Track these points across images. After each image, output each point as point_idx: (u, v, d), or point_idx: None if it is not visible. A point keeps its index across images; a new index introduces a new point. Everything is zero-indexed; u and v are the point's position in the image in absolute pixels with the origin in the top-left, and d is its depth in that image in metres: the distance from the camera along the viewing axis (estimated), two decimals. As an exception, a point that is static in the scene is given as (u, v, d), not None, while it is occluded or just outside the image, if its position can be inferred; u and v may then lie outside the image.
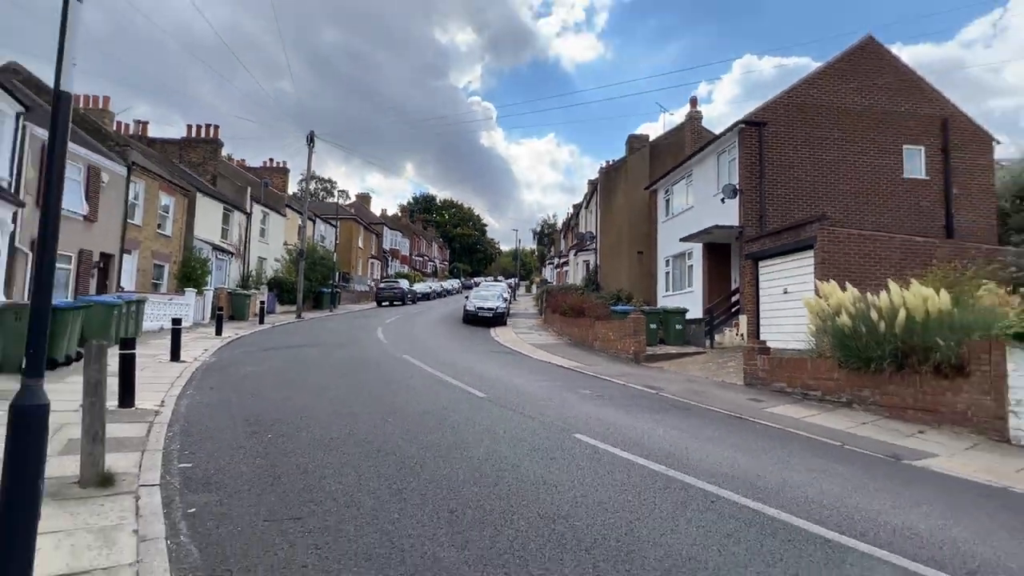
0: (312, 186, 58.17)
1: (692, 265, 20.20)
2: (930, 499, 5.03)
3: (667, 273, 23.05)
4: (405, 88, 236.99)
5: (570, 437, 6.40)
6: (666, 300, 22.15)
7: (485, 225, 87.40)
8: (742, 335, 15.35)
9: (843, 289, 10.00)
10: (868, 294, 9.69)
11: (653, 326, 17.11)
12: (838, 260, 12.08)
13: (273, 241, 33.29)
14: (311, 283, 30.28)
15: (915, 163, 15.85)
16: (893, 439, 7.76)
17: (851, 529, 4.09)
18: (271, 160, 39.96)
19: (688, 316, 18.26)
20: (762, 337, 14.23)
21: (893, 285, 9.10)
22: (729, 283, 18.18)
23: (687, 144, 24.07)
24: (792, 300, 13.14)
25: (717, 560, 3.46)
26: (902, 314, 8.75)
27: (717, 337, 16.73)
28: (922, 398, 8.71)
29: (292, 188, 47.01)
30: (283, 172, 39.59)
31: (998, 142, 16.79)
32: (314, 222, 38.31)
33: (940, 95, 16.49)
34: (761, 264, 14.73)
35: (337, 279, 37.13)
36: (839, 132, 16.08)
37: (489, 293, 27.58)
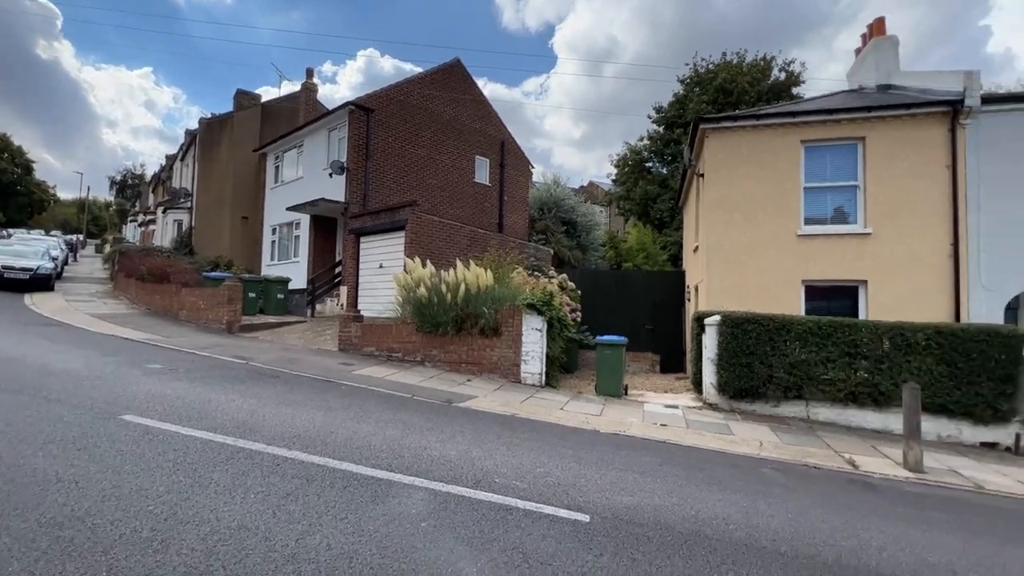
0: None
1: (299, 235, 19.73)
2: (464, 431, 6.35)
3: (273, 242, 21.82)
4: None
5: (116, 420, 5.24)
6: (271, 269, 20.97)
7: (34, 162, 62.42)
8: (342, 305, 15.97)
9: (424, 266, 11.59)
10: (442, 271, 11.52)
11: (253, 295, 15.93)
12: (423, 241, 13.93)
13: None
14: None
15: (483, 171, 19.86)
16: (450, 387, 9.48)
17: (401, 466, 4.74)
18: None
19: (293, 286, 17.77)
20: (360, 307, 15.13)
21: (459, 264, 11.11)
22: (334, 255, 18.59)
23: (302, 114, 23.24)
24: (386, 274, 14.43)
25: (271, 523, 3.42)
26: (463, 288, 10.77)
27: (319, 307, 16.90)
28: (472, 354, 10.98)
29: None
30: None
31: (533, 167, 22.73)
32: None
33: (502, 123, 21.11)
34: (362, 240, 15.61)
35: None
36: (431, 133, 18.57)
37: (26, 249, 20.04)
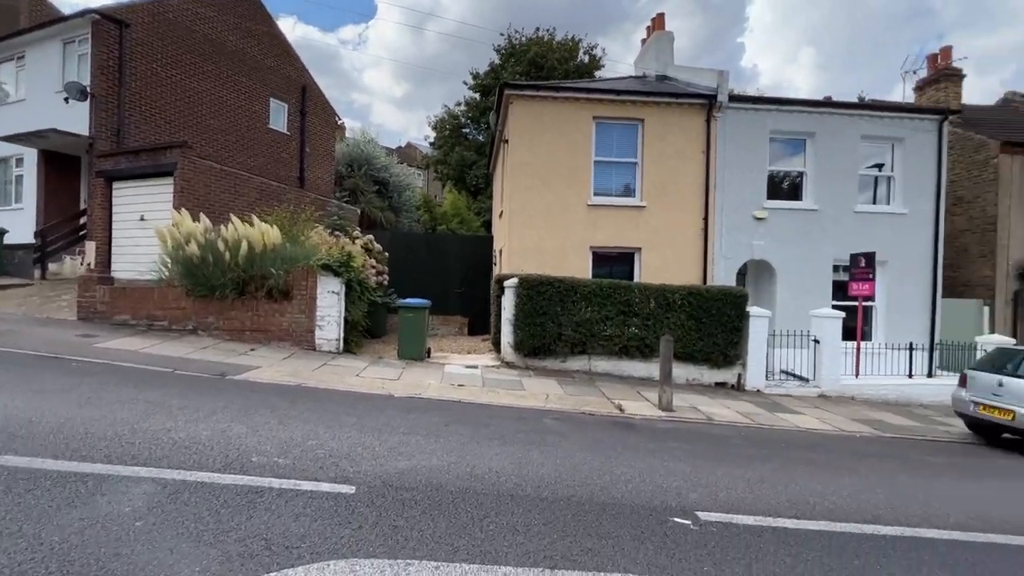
0: None
1: (23, 175, 15.41)
2: (229, 407, 5.54)
3: (-17, 183, 16.73)
4: None
5: None
6: (-21, 220, 16.08)
7: None
8: (89, 264, 12.99)
9: (198, 220, 9.88)
10: (221, 227, 9.96)
11: (-57, 253, 12.01)
12: (199, 191, 11.91)
13: None
14: None
15: (280, 117, 17.72)
16: (227, 359, 8.31)
17: (126, 456, 3.88)
18: None
19: (13, 240, 13.88)
20: (116, 267, 12.47)
21: (235, 219, 9.69)
22: (78, 203, 14.97)
23: (23, 14, 17.90)
24: (150, 228, 12.05)
25: None
26: (244, 245, 9.45)
27: (54, 266, 13.52)
28: (258, 320, 9.79)
29: None
30: None
31: (341, 119, 21.04)
32: None
33: (303, 66, 18.98)
34: (116, 185, 12.77)
35: None
36: (213, 66, 15.85)
37: None
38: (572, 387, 9.27)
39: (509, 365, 10.47)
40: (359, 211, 18.29)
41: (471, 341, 13.91)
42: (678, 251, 12.18)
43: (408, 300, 10.47)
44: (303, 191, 16.02)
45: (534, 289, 10.25)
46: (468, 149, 30.30)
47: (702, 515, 3.90)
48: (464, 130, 31.79)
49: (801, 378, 11.26)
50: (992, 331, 12.83)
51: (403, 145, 54.79)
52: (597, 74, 28.80)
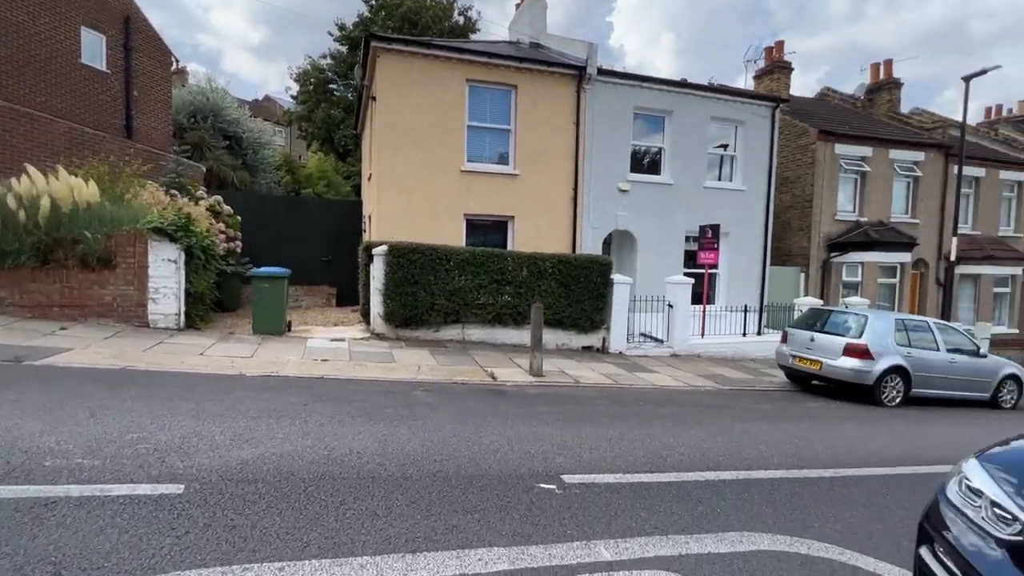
0: None
1: None
2: (22, 399, 4.54)
3: None
4: None
5: None
6: None
7: None
8: None
9: (-25, 169, 7.93)
10: (13, 180, 8.11)
11: None
12: (-20, 134, 9.55)
13: None
14: None
15: (96, 51, 14.79)
16: (25, 340, 6.87)
17: None
18: None
19: None
20: None
21: (33, 170, 7.95)
22: None
23: None
24: (-93, 180, 9.45)
25: None
26: (46, 203, 7.79)
27: None
28: (70, 294, 8.22)
29: None
30: None
31: (179, 60, 18.17)
32: None
33: (128, -11, 15.89)
34: None
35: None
36: (-2, -23, 12.63)
37: None
38: (445, 357, 9.12)
39: (379, 337, 10.02)
40: (205, 169, 16.11)
41: (339, 312, 13.13)
42: (550, 220, 12.43)
43: (264, 269, 9.49)
44: (129, 142, 13.65)
45: (405, 257, 9.83)
46: (336, 107, 28.15)
47: (567, 478, 3.99)
48: (331, 86, 29.41)
49: (657, 340, 12.25)
50: (807, 294, 14.99)
51: (260, 98, 49.55)
52: (472, 38, 28.13)
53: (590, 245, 12.75)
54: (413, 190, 11.43)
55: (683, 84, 13.48)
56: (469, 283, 10.26)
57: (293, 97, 31.90)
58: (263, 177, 20.91)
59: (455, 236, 11.67)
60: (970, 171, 16.95)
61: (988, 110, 25.28)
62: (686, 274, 12.90)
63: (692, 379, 9.57)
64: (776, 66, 17.00)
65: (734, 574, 2.89)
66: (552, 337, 10.99)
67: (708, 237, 12.31)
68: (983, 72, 13.08)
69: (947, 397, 9.22)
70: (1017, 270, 17.90)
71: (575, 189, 12.52)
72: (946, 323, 10.32)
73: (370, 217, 12.94)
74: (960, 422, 8.06)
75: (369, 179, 13.35)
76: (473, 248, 10.53)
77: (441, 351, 9.53)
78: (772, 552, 3.17)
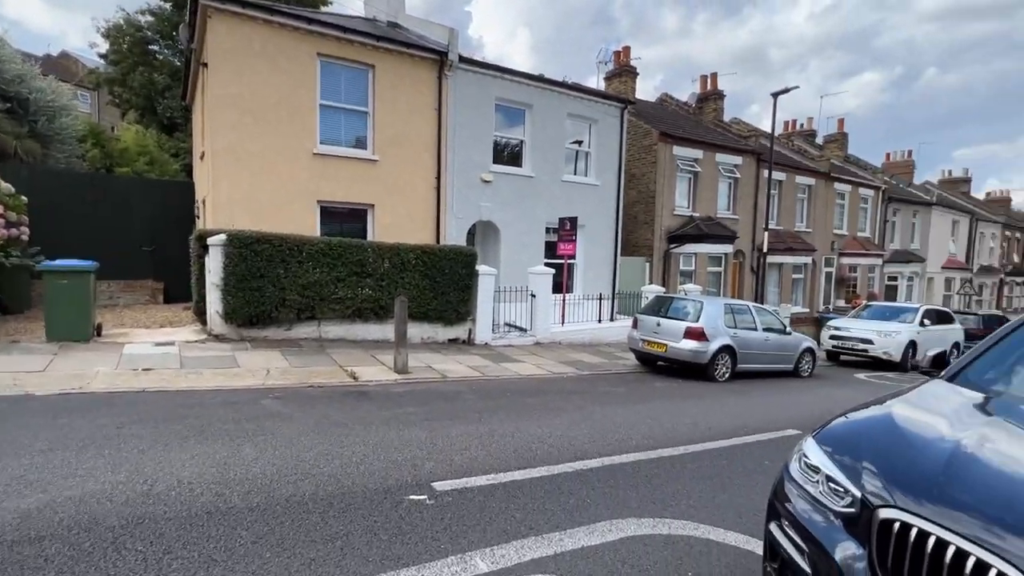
0: None
1: None
2: None
3: None
4: None
5: None
6: None
7: None
8: None
9: None
10: None
11: None
12: None
13: None
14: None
15: None
16: None
17: None
18: None
19: None
20: None
21: None
22: None
23: None
24: None
25: None
26: None
27: None
28: None
29: None
30: None
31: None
32: None
33: None
34: None
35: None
36: None
37: None
38: (299, 358, 8.33)
39: (219, 338, 8.84)
40: (-28, 136, 12.85)
41: (168, 311, 11.40)
42: (412, 209, 11.99)
43: (61, 262, 7.81)
44: None
45: (249, 248, 8.76)
46: (159, 71, 24.32)
47: (438, 485, 3.77)
48: (152, 47, 25.33)
49: (521, 329, 12.52)
50: (651, 282, 16.44)
51: (55, 54, 41.30)
52: (324, 11, 26.10)
53: (455, 236, 12.57)
54: (257, 173, 10.23)
55: (542, 79, 13.82)
56: (325, 276, 9.48)
57: (102, 56, 26.90)
58: (60, 150, 17.35)
59: (308, 225, 10.72)
60: (775, 175, 19.89)
61: (785, 124, 29.97)
62: (547, 264, 13.34)
63: (555, 366, 9.91)
64: (624, 70, 18.25)
65: (606, 566, 2.92)
66: (418, 331, 10.65)
67: (567, 229, 12.84)
68: (787, 90, 15.38)
69: (763, 370, 10.70)
70: (808, 259, 21.51)
71: (438, 178, 12.21)
72: (761, 306, 11.97)
73: (204, 201, 11.35)
74: (772, 391, 9.39)
75: (202, 158, 11.69)
76: (329, 238, 9.74)
77: (295, 351, 8.69)
78: (639, 537, 3.28)
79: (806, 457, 2.46)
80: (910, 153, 33.38)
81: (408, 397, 6.57)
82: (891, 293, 25.85)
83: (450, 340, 11.20)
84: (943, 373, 3.26)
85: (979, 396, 2.83)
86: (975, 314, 18.61)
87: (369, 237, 11.52)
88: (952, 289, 29.92)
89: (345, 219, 11.62)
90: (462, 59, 12.30)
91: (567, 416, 6.18)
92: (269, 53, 10.16)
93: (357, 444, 4.54)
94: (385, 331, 10.04)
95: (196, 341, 8.66)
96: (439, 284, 10.68)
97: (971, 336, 16.65)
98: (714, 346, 9.63)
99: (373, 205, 11.56)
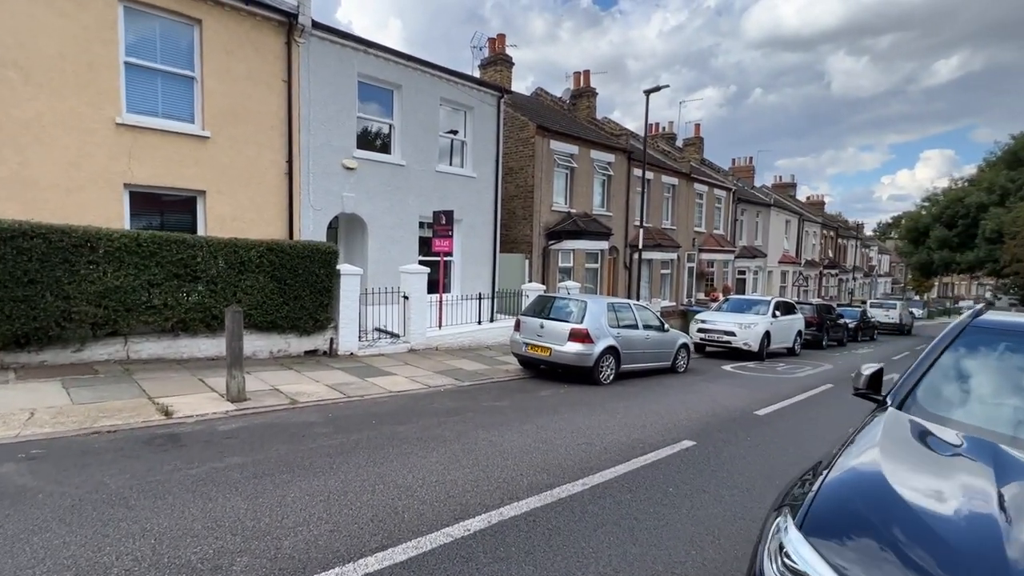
0: None
1: None
2: None
3: None
4: None
5: None
6: None
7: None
8: None
9: None
10: None
11: None
12: None
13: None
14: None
15: None
16: None
17: None
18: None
19: None
20: None
21: None
22: None
23: None
24: None
25: None
26: None
27: None
28: None
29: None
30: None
31: None
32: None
33: None
34: None
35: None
36: None
37: None
38: (91, 390, 6.29)
39: (-36, 369, 6.44)
40: None
41: None
42: (257, 198, 10.07)
43: None
44: None
45: (9, 244, 6.48)
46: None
47: (249, 603, 2.52)
48: None
49: (393, 335, 11.20)
50: (531, 280, 15.95)
51: None
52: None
53: (311, 230, 10.85)
54: (29, 146, 7.74)
55: (413, 58, 12.52)
56: (133, 280, 7.42)
57: None
58: None
59: (112, 215, 8.42)
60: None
61: (649, 127, 31.60)
62: (421, 262, 12.14)
63: (431, 378, 8.80)
64: (499, 58, 17.53)
65: None
66: (266, 343, 8.91)
67: (443, 224, 11.74)
68: (658, 88, 15.75)
69: (644, 369, 10.55)
70: (675, 255, 22.66)
71: (289, 162, 10.40)
72: (640, 303, 11.90)
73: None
74: (656, 392, 9.17)
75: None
76: (137, 232, 7.64)
77: (84, 380, 6.60)
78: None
79: (790, 561, 1.67)
80: (751, 159, 37.20)
81: (236, 440, 5.06)
82: (741, 286, 28.39)
83: (307, 352, 9.57)
84: (889, 400, 2.75)
85: (953, 435, 2.30)
86: (810, 303, 20.84)
87: (200, 232, 9.43)
88: (787, 281, 33.82)
89: (168, 208, 9.40)
90: (317, 25, 10.59)
91: (445, 449, 5.13)
92: (44, -12, 7.71)
93: (131, 538, 3.08)
94: (221, 346, 8.18)
95: (-76, 375, 6.20)
96: (291, 287, 9.01)
97: (808, 323, 18.59)
98: (599, 348, 9.19)
99: (204, 192, 9.46)
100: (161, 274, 7.66)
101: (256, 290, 8.57)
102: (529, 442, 5.52)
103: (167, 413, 5.78)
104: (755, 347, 14.31)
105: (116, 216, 8.47)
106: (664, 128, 30.90)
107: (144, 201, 9.02)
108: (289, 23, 10.12)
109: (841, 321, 22.19)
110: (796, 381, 11.23)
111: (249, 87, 9.79)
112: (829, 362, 15.12)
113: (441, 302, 12.14)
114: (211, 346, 8.34)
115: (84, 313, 7.04)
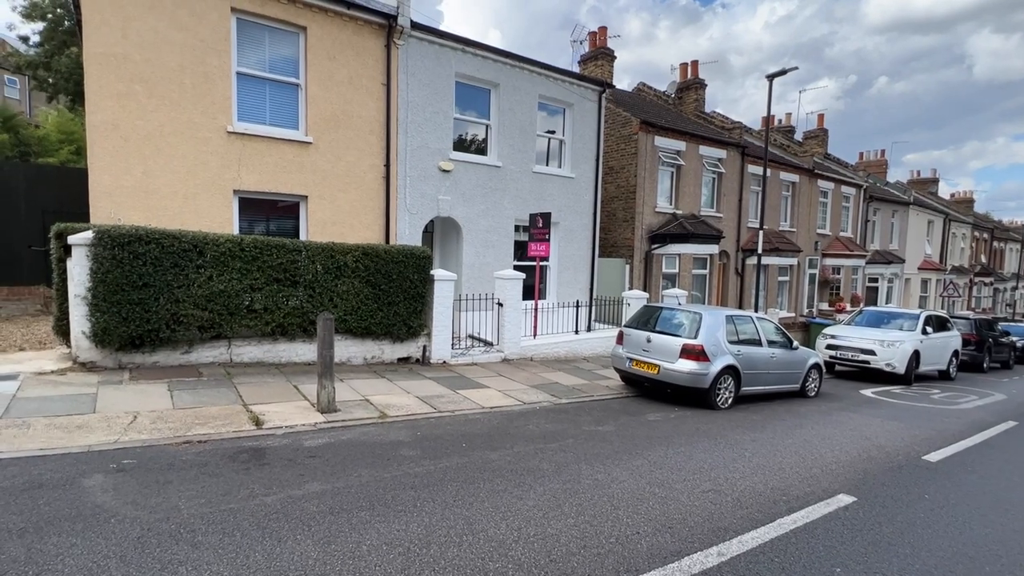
0: None
1: None
2: None
3: None
4: None
5: None
6: None
7: None
8: None
9: None
10: None
11: None
12: None
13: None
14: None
15: None
16: None
17: None
18: None
19: None
20: None
21: None
22: None
23: None
24: None
25: None
26: None
27: None
28: None
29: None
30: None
31: None
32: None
33: None
34: None
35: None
36: None
37: None
38: (192, 393, 6.34)
39: (88, 367, 6.78)
40: None
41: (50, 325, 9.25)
42: (355, 202, 10.04)
43: None
44: None
45: (126, 249, 6.71)
46: (80, 49, 21.56)
47: None
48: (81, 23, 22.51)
49: (487, 343, 10.73)
50: (632, 286, 14.86)
51: (-25, 32, 37.41)
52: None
53: (407, 234, 10.68)
54: (152, 157, 8.15)
55: (511, 55, 12.03)
56: (237, 284, 7.50)
57: (22, 38, 23.94)
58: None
59: (223, 221, 8.70)
60: (758, 170, 18.59)
61: (763, 120, 28.94)
62: (516, 267, 11.59)
63: (526, 392, 8.15)
64: (600, 52, 16.62)
65: None
66: (359, 350, 8.77)
67: (539, 227, 11.10)
68: (784, 72, 14.03)
69: (768, 392, 9.18)
70: (794, 260, 20.33)
71: (387, 166, 10.29)
72: (763, 316, 10.46)
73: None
74: (787, 422, 7.84)
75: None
76: (241, 236, 7.74)
77: (189, 383, 6.69)
78: None
79: None
80: (883, 153, 32.92)
81: (320, 460, 4.70)
82: (872, 295, 25.03)
83: (400, 359, 9.33)
84: None
85: None
86: (966, 318, 17.66)
87: (303, 236, 9.55)
88: (928, 291, 29.42)
89: (273, 214, 9.62)
90: (416, 26, 10.41)
91: (543, 488, 4.41)
92: (166, 5, 8.09)
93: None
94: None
95: (54, 372, 6.58)
96: (385, 292, 8.80)
97: (966, 342, 15.68)
98: (716, 367, 8.02)
99: (306, 196, 9.57)
100: (262, 278, 7.70)
101: (351, 295, 8.44)
102: (643, 485, 4.65)
103: (258, 423, 5.62)
104: (901, 369, 12.16)
105: (226, 222, 8.74)
106: (780, 121, 28.14)
107: (251, 207, 9.26)
108: (389, 25, 10.00)
109: (1007, 340, 18.67)
110: (963, 415, 9.24)
111: (350, 92, 9.78)
112: (998, 390, 12.54)
113: (536, 309, 11.50)
114: (308, 351, 8.31)
115: (191, 316, 7.20)
